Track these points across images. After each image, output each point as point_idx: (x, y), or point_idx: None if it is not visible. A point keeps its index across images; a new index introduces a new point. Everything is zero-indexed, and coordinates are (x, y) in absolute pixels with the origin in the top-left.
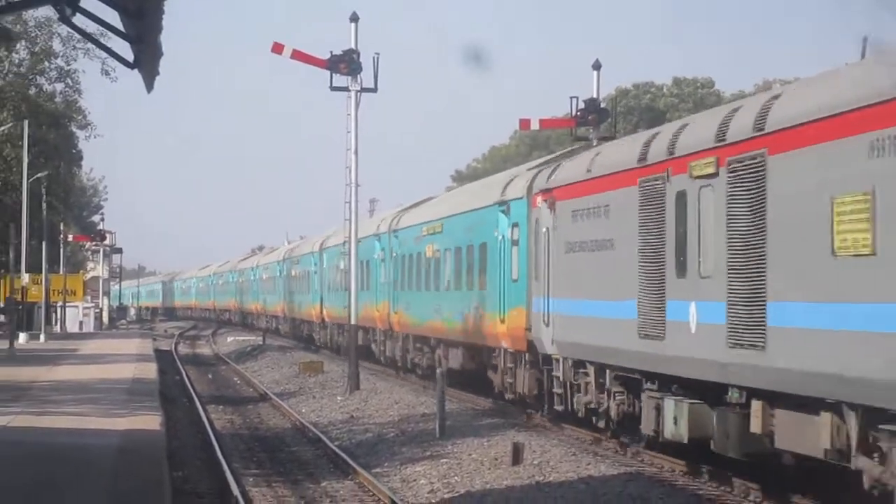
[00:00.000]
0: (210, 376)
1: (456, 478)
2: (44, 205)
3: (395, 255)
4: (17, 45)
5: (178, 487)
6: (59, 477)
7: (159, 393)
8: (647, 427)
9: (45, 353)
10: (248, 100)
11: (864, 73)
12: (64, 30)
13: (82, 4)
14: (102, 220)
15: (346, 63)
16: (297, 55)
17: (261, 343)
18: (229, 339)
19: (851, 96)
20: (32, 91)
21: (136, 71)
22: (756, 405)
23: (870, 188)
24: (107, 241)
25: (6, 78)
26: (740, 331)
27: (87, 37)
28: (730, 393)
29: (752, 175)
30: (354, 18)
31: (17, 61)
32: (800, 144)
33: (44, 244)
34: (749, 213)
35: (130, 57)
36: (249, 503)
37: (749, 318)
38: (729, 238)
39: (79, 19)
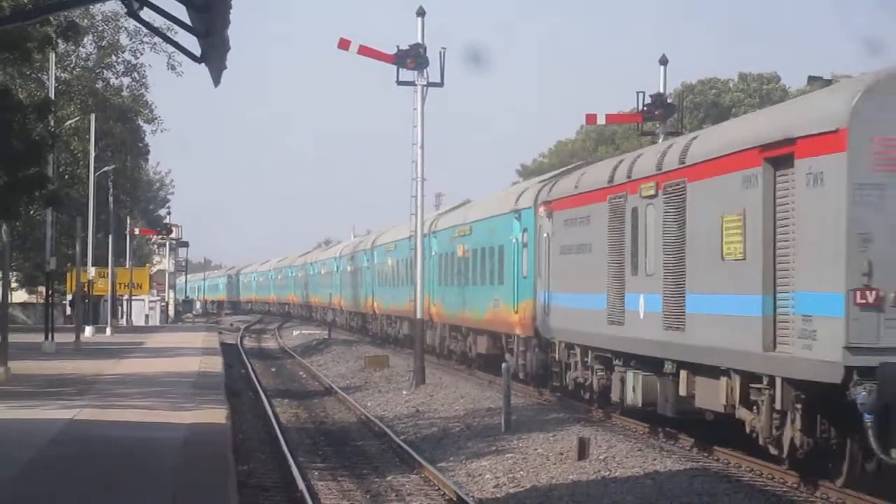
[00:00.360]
0: (275, 370)
1: (521, 472)
2: (110, 198)
3: (433, 253)
4: (85, 40)
5: (244, 481)
6: (124, 470)
7: (225, 386)
8: (615, 395)
9: (110, 347)
10: (319, 92)
11: (741, 125)
12: (131, 24)
13: None
14: (169, 213)
15: (412, 58)
16: (364, 51)
17: (326, 337)
18: (295, 332)
19: (734, 141)
20: (99, 85)
21: (202, 65)
22: (683, 374)
23: (741, 210)
24: (173, 235)
25: (73, 72)
26: (671, 316)
27: (155, 31)
28: (666, 365)
29: (677, 197)
30: (421, 13)
31: (84, 55)
32: (706, 175)
33: (110, 237)
34: (675, 225)
35: (197, 51)
36: (315, 497)
37: (676, 306)
38: (664, 244)
39: (146, 13)
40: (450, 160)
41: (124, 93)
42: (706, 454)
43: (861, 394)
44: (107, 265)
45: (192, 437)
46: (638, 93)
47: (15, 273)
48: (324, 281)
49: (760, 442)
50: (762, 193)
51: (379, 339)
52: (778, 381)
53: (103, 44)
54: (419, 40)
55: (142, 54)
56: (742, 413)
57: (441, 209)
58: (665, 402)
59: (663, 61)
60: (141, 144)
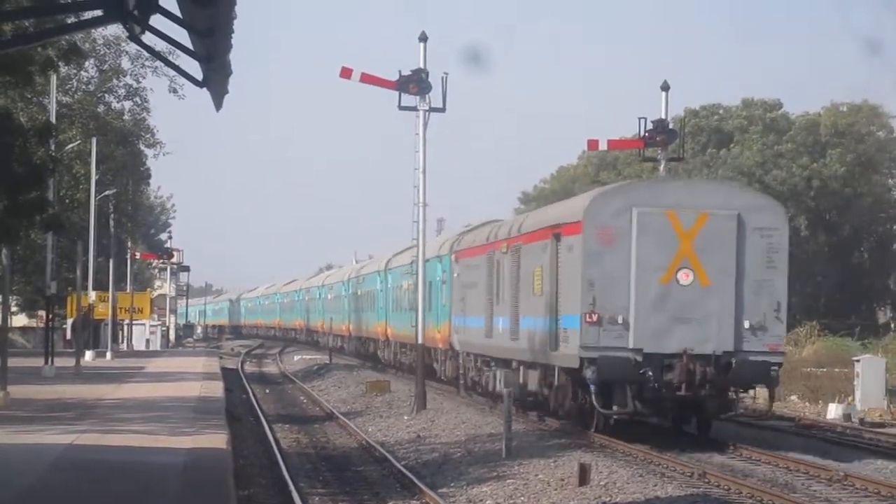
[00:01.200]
0: (274, 394)
1: (522, 498)
2: (111, 222)
3: (388, 286)
4: (86, 63)
5: None
6: (125, 495)
7: (226, 411)
8: (491, 386)
9: (111, 371)
10: (323, 116)
11: (549, 210)
12: (133, 48)
13: (152, 23)
14: (170, 237)
15: (415, 83)
16: (366, 78)
17: (327, 362)
18: (296, 357)
19: (539, 222)
20: (101, 109)
21: (204, 89)
22: (521, 369)
23: (542, 265)
24: (174, 259)
25: (75, 96)
26: (512, 331)
27: (157, 55)
28: (513, 364)
29: (516, 254)
30: (423, 38)
31: (85, 79)
32: (529, 241)
33: (111, 261)
34: (515, 272)
35: (199, 75)
36: None
37: (514, 324)
38: (510, 284)
39: (148, 37)
40: (452, 184)
41: (126, 117)
42: (707, 480)
43: (589, 373)
44: (107, 289)
45: (192, 462)
46: (640, 118)
47: (15, 297)
48: (311, 306)
49: (551, 408)
50: (549, 255)
51: (349, 356)
52: (557, 369)
53: (105, 68)
54: (421, 65)
55: (143, 78)
56: (545, 392)
57: (444, 232)
58: (517, 389)
59: (665, 87)
60: (142, 168)
